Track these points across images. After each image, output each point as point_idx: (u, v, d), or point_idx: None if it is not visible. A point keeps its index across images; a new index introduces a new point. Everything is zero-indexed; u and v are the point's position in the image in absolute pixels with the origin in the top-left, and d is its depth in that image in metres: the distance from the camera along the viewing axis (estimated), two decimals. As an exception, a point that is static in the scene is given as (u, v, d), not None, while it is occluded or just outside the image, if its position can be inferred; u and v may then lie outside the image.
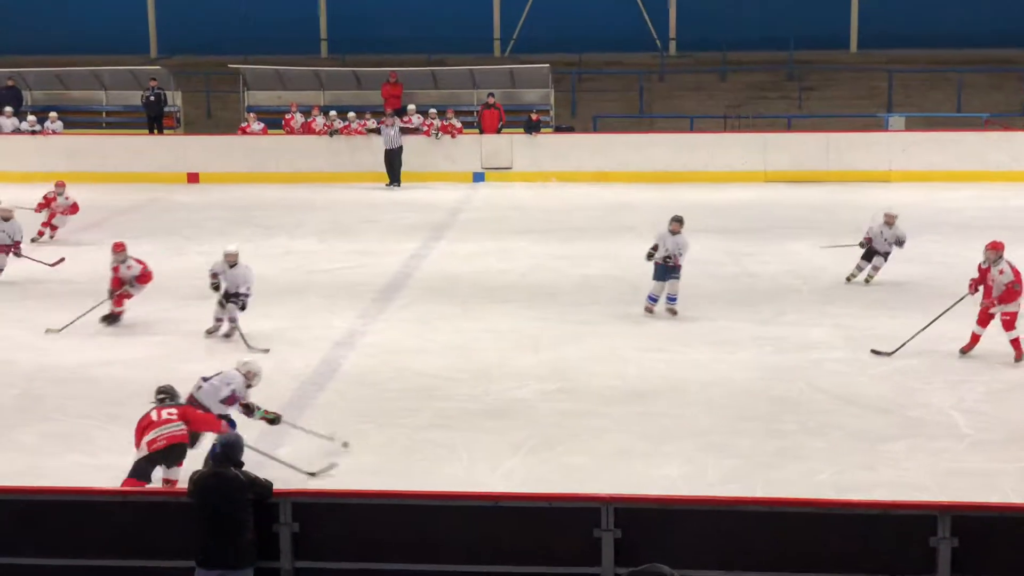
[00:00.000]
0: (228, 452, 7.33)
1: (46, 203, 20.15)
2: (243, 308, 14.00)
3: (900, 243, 16.73)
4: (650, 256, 15.16)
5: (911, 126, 26.96)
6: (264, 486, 7.31)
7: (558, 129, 27.91)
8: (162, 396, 9.75)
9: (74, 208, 20.35)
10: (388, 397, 12.31)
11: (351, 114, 26.86)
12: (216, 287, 14.15)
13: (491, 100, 26.94)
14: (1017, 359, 13.04)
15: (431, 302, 16.05)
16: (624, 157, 25.94)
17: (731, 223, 21.25)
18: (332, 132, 26.41)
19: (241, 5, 33.05)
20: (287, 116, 27.39)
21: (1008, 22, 32.19)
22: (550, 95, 28.53)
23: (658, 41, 32.61)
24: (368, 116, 26.92)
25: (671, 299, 15.14)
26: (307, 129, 26.94)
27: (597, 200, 23.73)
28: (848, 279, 16.78)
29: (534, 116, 26.90)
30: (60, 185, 20.38)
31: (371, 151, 25.97)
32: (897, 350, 13.18)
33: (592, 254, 18.93)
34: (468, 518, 7.42)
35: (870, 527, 7.04)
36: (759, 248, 19.22)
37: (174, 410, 9.47)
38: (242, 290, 13.98)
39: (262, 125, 27.21)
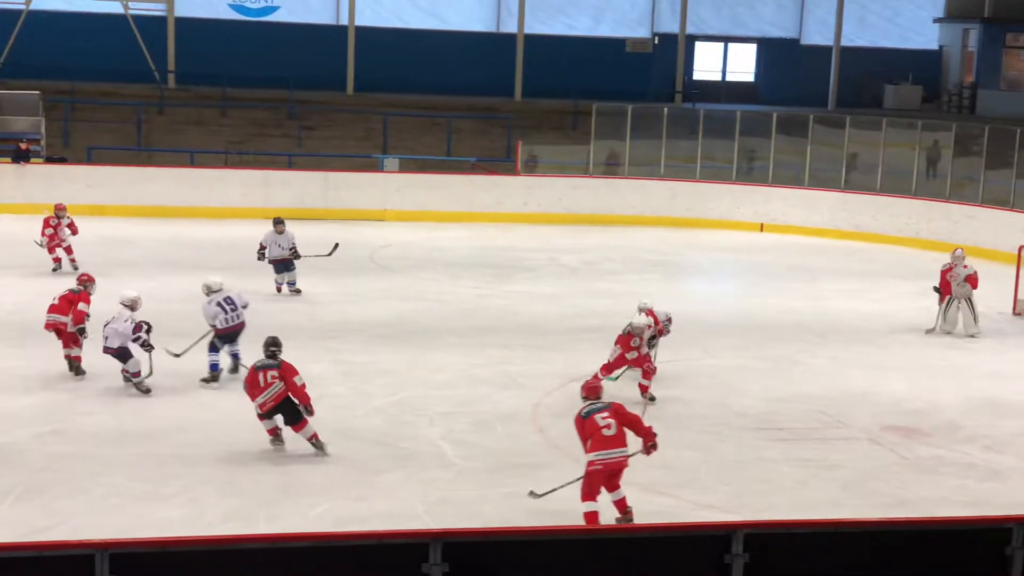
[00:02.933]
0: None
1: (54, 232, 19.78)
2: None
3: (664, 325, 14.49)
4: (260, 256, 18.47)
5: (405, 167, 28.18)
6: None
7: (49, 160, 26.72)
8: (272, 350, 11.66)
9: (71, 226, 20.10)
10: None
11: None
12: None
13: (-25, 126, 25.45)
14: None
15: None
16: (122, 191, 25.28)
17: (233, 259, 21.23)
18: None
19: None
20: None
21: (492, 74, 34.51)
22: (41, 123, 27.24)
23: (157, 73, 32.10)
24: None
25: (291, 284, 18.57)
26: None
27: (93, 234, 22.87)
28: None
29: (23, 145, 25.62)
30: (60, 208, 20.08)
31: None
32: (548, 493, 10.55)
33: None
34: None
35: (364, 556, 7.35)
36: (261, 285, 19.33)
37: (275, 372, 11.49)
38: None
39: None
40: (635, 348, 13.56)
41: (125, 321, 13.29)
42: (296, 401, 11.60)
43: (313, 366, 14.68)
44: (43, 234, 19.64)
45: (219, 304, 13.72)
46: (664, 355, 14.42)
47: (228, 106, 31.24)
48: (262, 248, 18.52)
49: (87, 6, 31.99)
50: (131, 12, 32.09)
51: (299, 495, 10.76)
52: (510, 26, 35.80)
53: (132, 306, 13.46)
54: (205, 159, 27.83)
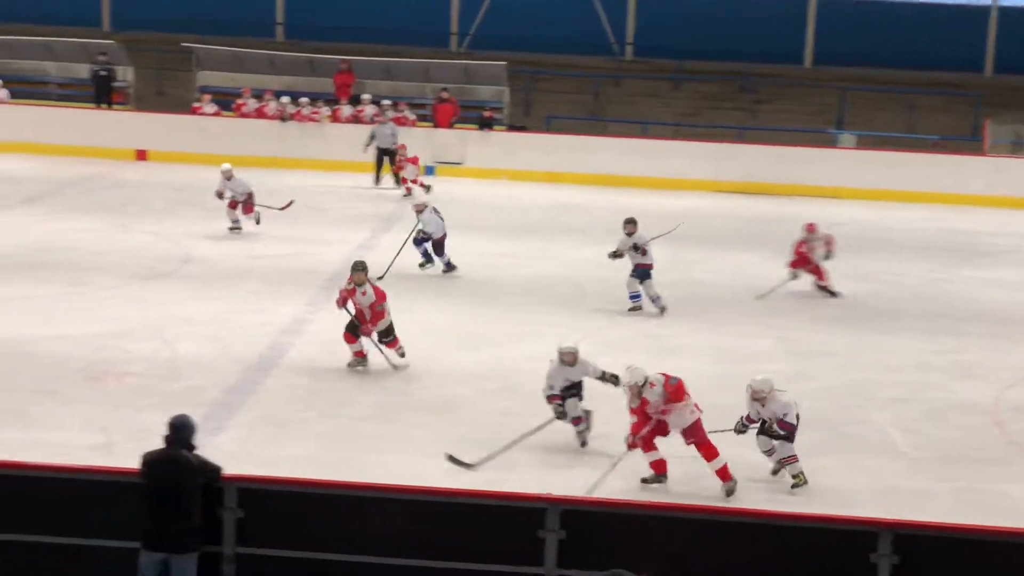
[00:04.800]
0: (181, 434, 7.25)
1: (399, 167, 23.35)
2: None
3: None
4: (614, 255, 15.80)
5: (861, 144, 27.22)
6: (214, 470, 7.25)
7: (511, 127, 27.84)
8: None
9: (414, 159, 23.20)
10: (330, 387, 12.28)
11: (303, 100, 26.69)
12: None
13: (445, 95, 26.85)
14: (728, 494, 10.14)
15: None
16: (575, 159, 25.97)
17: (678, 230, 21.26)
18: (284, 118, 26.24)
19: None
20: (239, 101, 27.08)
21: (961, 47, 32.64)
22: (505, 93, 28.45)
23: (615, 45, 32.69)
24: (321, 103, 26.76)
25: (656, 300, 15.69)
26: (259, 113, 26.72)
27: (546, 200, 23.75)
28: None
29: (487, 113, 26.85)
30: (402, 148, 23.38)
31: (323, 139, 25.89)
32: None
33: (539, 254, 18.92)
34: (413, 512, 7.40)
35: (810, 539, 7.10)
36: (705, 257, 19.31)
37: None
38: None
39: (216, 108, 26.92)
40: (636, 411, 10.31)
41: None
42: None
43: (756, 342, 14.54)
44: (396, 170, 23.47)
45: (434, 211, 16.95)
46: None
47: (682, 78, 31.35)
48: (618, 254, 15.86)
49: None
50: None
51: (736, 472, 10.57)
52: (982, -3, 33.74)
53: None
54: (656, 130, 28.08)
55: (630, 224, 15.69)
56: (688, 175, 25.66)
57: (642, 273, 15.61)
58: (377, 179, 24.46)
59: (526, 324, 14.90)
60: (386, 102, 26.06)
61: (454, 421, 11.43)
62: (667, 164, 25.86)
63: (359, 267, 12.75)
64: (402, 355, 12.88)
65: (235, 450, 9.83)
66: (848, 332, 14.98)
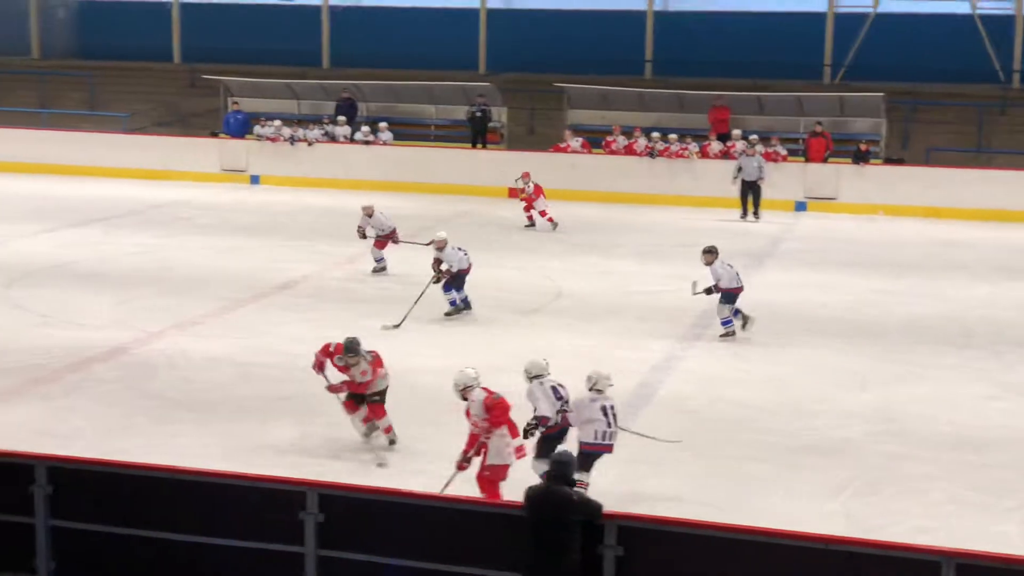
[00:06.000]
0: (562, 470, 7.23)
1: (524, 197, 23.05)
2: None
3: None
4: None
5: None
6: (594, 507, 7.18)
7: (888, 161, 26.77)
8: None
9: (538, 190, 22.97)
10: (704, 425, 12.04)
11: (672, 136, 26.66)
12: None
13: (818, 128, 26.11)
14: None
15: (749, 332, 15.62)
16: (958, 193, 24.69)
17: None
18: (652, 154, 26.30)
19: (568, 26, 33.52)
20: (609, 138, 27.37)
21: None
22: (881, 125, 27.36)
23: (1001, 72, 30.85)
24: (689, 139, 26.62)
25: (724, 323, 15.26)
26: (628, 150, 26.90)
27: (926, 236, 22.70)
28: None
29: (863, 146, 25.94)
30: (526, 176, 22.98)
31: (692, 175, 25.78)
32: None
33: (920, 292, 18.08)
34: (796, 559, 7.08)
35: None
36: None
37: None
38: None
39: (580, 140, 27.30)
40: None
41: None
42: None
43: None
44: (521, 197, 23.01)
45: (459, 249, 15.97)
46: None
47: (1076, 106, 29.26)
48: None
49: (933, 7, 31.65)
50: (979, 12, 31.18)
51: None
52: None
53: None
54: (1049, 162, 26.28)
55: (708, 254, 15.31)
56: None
57: (728, 298, 15.10)
58: (744, 212, 24.14)
59: (910, 365, 14.26)
60: (753, 136, 25.64)
61: (836, 465, 10.96)
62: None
63: (350, 348, 11.08)
64: (392, 442, 11.39)
65: (609, 488, 9.72)
66: None
